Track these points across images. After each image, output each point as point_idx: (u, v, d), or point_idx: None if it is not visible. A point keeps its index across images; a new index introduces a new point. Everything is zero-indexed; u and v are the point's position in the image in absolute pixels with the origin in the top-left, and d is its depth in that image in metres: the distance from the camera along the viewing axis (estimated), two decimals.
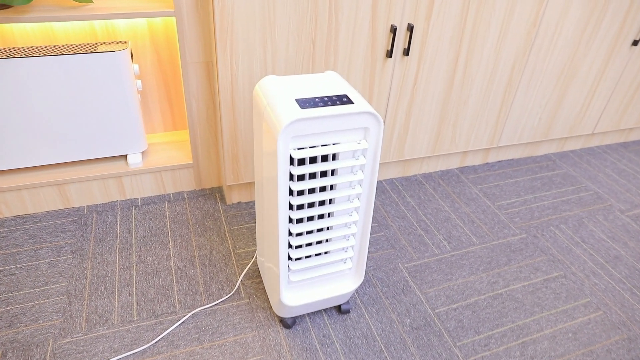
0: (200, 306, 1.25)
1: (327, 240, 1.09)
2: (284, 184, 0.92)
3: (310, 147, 0.90)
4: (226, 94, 1.35)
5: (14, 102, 1.34)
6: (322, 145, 0.90)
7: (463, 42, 1.50)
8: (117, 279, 1.31)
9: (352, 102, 0.89)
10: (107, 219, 1.53)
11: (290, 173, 0.93)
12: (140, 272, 1.34)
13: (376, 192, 1.73)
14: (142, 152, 1.63)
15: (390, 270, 1.41)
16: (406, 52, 1.43)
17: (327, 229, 1.06)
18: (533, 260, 1.49)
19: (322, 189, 0.99)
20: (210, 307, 1.25)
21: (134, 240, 1.45)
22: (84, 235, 1.46)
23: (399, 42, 1.42)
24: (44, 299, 1.24)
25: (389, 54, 1.41)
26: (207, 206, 1.62)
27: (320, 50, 1.35)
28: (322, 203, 1.02)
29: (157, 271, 1.35)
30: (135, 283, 1.31)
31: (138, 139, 1.54)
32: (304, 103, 0.88)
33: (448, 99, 1.63)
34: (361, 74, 1.44)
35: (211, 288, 1.31)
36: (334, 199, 1.01)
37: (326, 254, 1.11)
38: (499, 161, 1.98)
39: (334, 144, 0.92)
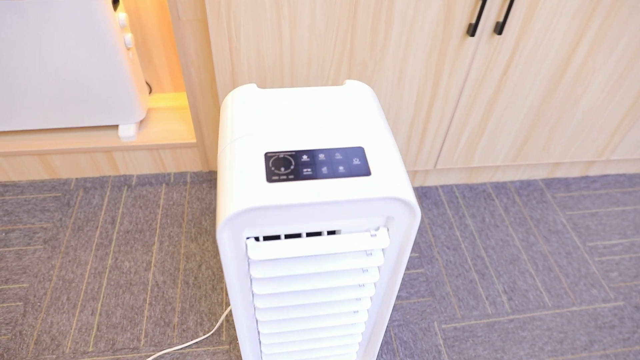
0: (169, 346, 1.00)
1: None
2: (238, 284, 0.57)
3: (280, 239, 0.53)
4: (225, 78, 0.97)
5: None
6: (305, 235, 0.53)
7: (594, 18, 0.96)
8: (83, 288, 1.09)
9: (367, 173, 0.50)
10: (92, 200, 1.29)
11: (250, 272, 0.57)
12: (112, 283, 1.11)
13: (428, 205, 1.33)
14: (139, 122, 1.33)
15: (420, 331, 1.06)
16: (499, 28, 0.93)
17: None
18: (629, 347, 1.06)
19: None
20: (180, 349, 1.00)
21: (115, 235, 1.21)
22: (63, 219, 1.24)
23: (490, 13, 0.92)
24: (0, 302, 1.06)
25: (472, 30, 0.93)
26: (210, 197, 1.32)
27: (364, 20, 0.90)
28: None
29: (131, 284, 1.11)
30: (103, 297, 1.08)
31: (130, 107, 1.23)
32: (278, 166, 0.49)
33: (551, 97, 1.12)
34: (424, 56, 0.98)
35: (188, 320, 1.05)
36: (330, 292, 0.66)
37: (318, 341, 0.78)
38: (604, 175, 1.46)
39: (329, 233, 0.54)
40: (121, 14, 1.10)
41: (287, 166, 0.49)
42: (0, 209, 1.25)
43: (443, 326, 1.07)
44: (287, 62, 0.97)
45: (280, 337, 0.70)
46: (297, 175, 0.48)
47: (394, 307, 1.10)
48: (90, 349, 0.99)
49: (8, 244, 1.17)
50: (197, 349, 1.00)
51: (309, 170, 0.49)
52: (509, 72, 1.04)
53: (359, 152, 0.52)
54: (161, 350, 1.00)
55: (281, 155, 0.51)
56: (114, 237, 1.21)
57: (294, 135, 0.53)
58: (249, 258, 0.53)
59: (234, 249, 0.52)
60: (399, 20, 0.91)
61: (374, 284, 0.63)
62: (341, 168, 0.50)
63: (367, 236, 0.54)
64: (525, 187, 1.40)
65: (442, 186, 1.38)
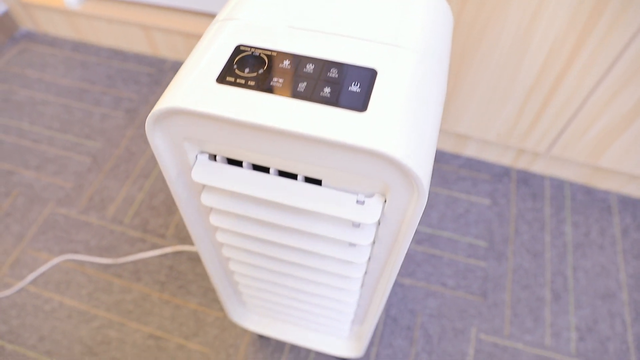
0: (190, 245, 1.00)
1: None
2: (186, 206, 0.48)
3: (236, 166, 0.41)
4: None
5: None
6: (278, 173, 0.41)
7: None
8: (140, 164, 1.13)
9: (361, 108, 0.34)
10: None
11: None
12: None
13: (523, 194, 1.08)
14: None
15: (452, 331, 0.89)
16: None
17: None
18: None
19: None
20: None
21: None
22: (147, 95, 1.27)
23: None
24: (75, 153, 1.15)
25: None
26: None
27: None
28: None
29: None
30: (153, 178, 1.10)
31: None
32: (242, 66, 0.37)
33: None
34: (572, 6, 0.71)
35: None
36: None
37: (301, 304, 0.68)
38: None
39: (307, 181, 0.41)
40: None
41: (254, 68, 0.36)
42: (104, 71, 1.33)
43: (481, 336, 0.89)
44: None
45: (255, 282, 0.61)
46: (261, 84, 0.35)
47: (431, 293, 0.94)
48: (126, 221, 1.04)
49: (99, 104, 1.25)
50: None
51: (281, 81, 0.35)
52: None
53: (366, 76, 0.36)
54: (182, 246, 1.00)
55: (254, 53, 0.37)
56: None
57: (296, 32, 0.39)
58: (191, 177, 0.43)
59: (175, 159, 0.42)
60: None
61: (365, 263, 0.50)
62: (327, 90, 0.35)
63: (352, 201, 0.39)
64: None
65: (551, 178, 1.10)
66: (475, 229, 1.03)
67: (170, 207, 1.06)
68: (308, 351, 0.87)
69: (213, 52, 0.38)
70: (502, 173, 1.11)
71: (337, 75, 0.36)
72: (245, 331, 0.89)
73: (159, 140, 0.39)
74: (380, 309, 0.59)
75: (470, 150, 1.13)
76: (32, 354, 0.87)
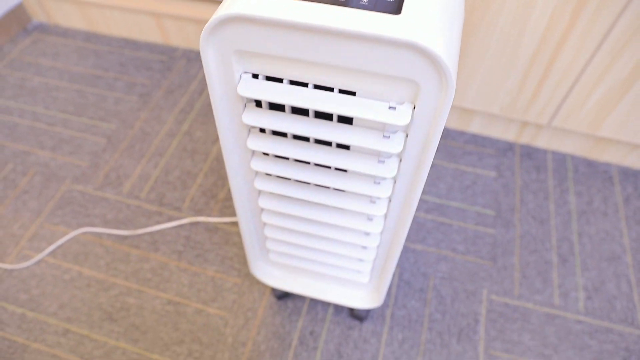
0: (207, 216, 1.02)
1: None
2: (231, 134, 0.51)
3: (277, 82, 0.45)
4: None
5: None
6: (304, 85, 0.44)
7: None
8: (155, 143, 1.16)
9: (396, 12, 0.38)
10: (191, 70, 1.34)
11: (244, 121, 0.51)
12: (180, 146, 1.15)
13: (527, 167, 1.12)
14: None
15: (464, 292, 0.92)
16: None
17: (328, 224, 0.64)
18: None
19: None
20: (216, 222, 1.02)
21: (198, 104, 1.25)
22: (160, 81, 1.31)
23: None
24: (90, 135, 1.18)
25: None
26: None
27: None
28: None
29: (195, 151, 1.14)
30: (168, 156, 1.13)
31: None
32: None
33: None
34: None
35: (231, 199, 1.06)
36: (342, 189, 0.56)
37: (326, 252, 0.70)
38: None
39: (340, 92, 0.44)
40: None
41: None
42: (117, 60, 1.37)
43: (492, 297, 0.92)
44: None
45: (283, 221, 0.64)
46: None
47: (442, 257, 0.97)
48: (142, 195, 1.06)
49: (112, 89, 1.29)
50: (230, 228, 1.01)
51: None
52: None
53: None
54: (198, 217, 1.02)
55: None
56: (197, 107, 1.24)
57: None
58: (237, 94, 0.46)
59: (223, 77, 0.45)
60: None
61: (391, 180, 0.53)
62: (365, 1, 0.39)
63: (385, 107, 0.43)
64: None
65: (553, 152, 1.14)
66: (482, 199, 1.06)
67: (185, 181, 1.08)
68: (325, 312, 0.89)
69: None
70: (506, 148, 1.15)
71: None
72: (263, 295, 0.91)
73: (210, 55, 0.42)
74: (398, 252, 0.62)
75: (474, 127, 1.16)
76: (52, 321, 0.88)
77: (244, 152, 0.55)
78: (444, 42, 0.37)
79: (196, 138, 1.18)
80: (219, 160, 1.13)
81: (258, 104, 0.49)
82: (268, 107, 0.49)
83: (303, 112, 0.49)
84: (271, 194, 0.61)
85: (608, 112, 0.97)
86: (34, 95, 1.27)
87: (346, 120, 0.48)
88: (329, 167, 0.54)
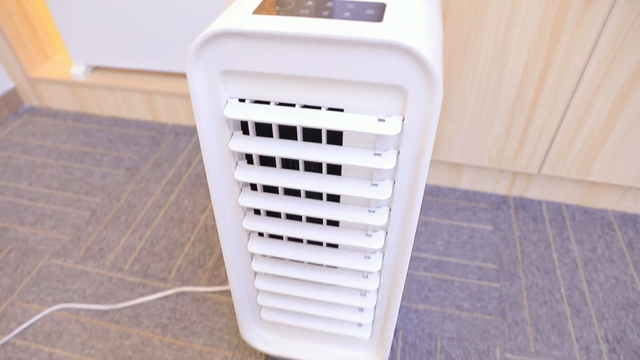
0: (194, 286, 0.96)
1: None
2: (219, 165, 0.49)
3: (264, 104, 0.43)
4: None
5: None
6: (291, 106, 0.43)
7: None
8: (141, 215, 1.12)
9: (378, 20, 0.38)
10: (179, 144, 1.35)
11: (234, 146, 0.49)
12: (167, 216, 1.12)
13: (523, 218, 1.09)
14: None
15: (475, 352, 0.84)
16: None
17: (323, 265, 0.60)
18: None
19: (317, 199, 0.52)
20: (204, 292, 0.95)
21: (186, 176, 1.24)
22: (149, 154, 1.31)
23: None
24: (74, 209, 1.14)
25: None
26: None
27: None
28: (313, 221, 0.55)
29: (183, 221, 1.11)
30: (154, 226, 1.09)
31: None
32: (272, 4, 0.41)
33: None
34: (540, 11, 0.81)
35: (221, 267, 1.00)
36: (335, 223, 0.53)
37: (322, 305, 0.65)
38: None
39: (328, 110, 0.43)
40: None
41: (283, 8, 0.41)
42: (106, 137, 1.38)
43: (507, 355, 0.84)
44: None
45: (275, 266, 0.59)
46: (291, 13, 0.39)
47: (447, 316, 0.90)
48: (126, 268, 1.00)
49: (99, 165, 1.28)
50: (219, 297, 0.94)
51: (307, 12, 0.40)
52: None
53: (378, 6, 0.40)
54: (185, 287, 0.96)
55: (281, 1, 0.42)
56: (185, 178, 1.23)
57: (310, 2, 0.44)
58: (225, 117, 0.44)
59: (209, 101, 0.44)
60: None
61: (385, 204, 0.49)
62: (347, 14, 0.39)
63: (374, 120, 0.41)
64: None
65: (547, 202, 1.13)
66: (482, 253, 1.02)
67: (172, 251, 1.03)
68: None
69: (248, 3, 0.43)
70: (500, 201, 1.14)
71: (353, 7, 0.41)
72: None
73: (197, 77, 0.42)
74: (398, 302, 0.57)
75: (465, 183, 1.16)
76: None
77: (232, 187, 0.52)
78: (425, 42, 0.37)
79: (184, 207, 1.15)
80: (207, 228, 1.09)
81: (246, 130, 0.48)
82: (255, 133, 0.47)
83: (291, 137, 0.47)
84: (264, 256, 0.58)
85: (595, 156, 0.98)
86: (18, 173, 1.25)
87: (336, 143, 0.46)
88: (321, 223, 0.52)
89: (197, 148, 1.33)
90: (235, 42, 0.39)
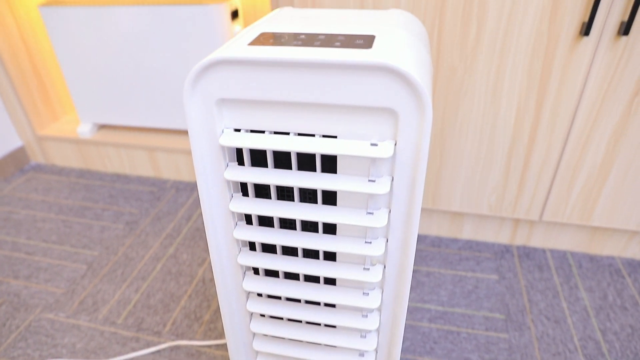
0: (189, 339, 0.92)
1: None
2: (215, 197, 0.49)
3: (259, 133, 0.44)
4: None
5: (109, 52, 1.27)
6: (285, 134, 0.44)
7: None
8: (138, 268, 1.10)
9: (368, 47, 0.40)
10: (179, 199, 1.35)
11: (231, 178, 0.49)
12: (164, 269, 1.10)
13: (528, 266, 1.07)
14: None
15: None
16: (625, 29, 0.77)
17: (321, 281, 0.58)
18: None
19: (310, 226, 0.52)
20: (199, 345, 0.91)
21: (185, 229, 1.23)
22: (149, 209, 1.31)
23: (610, 7, 0.77)
24: (70, 262, 1.12)
25: (586, 29, 0.79)
26: None
27: (454, 14, 0.83)
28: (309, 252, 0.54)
29: (180, 274, 1.08)
30: (151, 279, 1.07)
31: None
32: (266, 39, 0.43)
33: None
34: (526, 61, 0.85)
35: (218, 321, 0.96)
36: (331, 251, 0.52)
37: (322, 354, 0.62)
38: None
39: (322, 138, 0.44)
40: (237, 26, 1.22)
41: (277, 40, 0.43)
42: (107, 192, 1.39)
43: None
44: None
45: (269, 285, 0.57)
46: (284, 44, 0.41)
47: None
48: (119, 321, 0.96)
49: (99, 219, 1.28)
50: (215, 352, 0.90)
51: (299, 42, 0.42)
52: None
53: (367, 37, 0.43)
54: (180, 341, 0.91)
55: (275, 32, 0.44)
56: (184, 231, 1.22)
57: (304, 28, 0.47)
58: (220, 146, 0.45)
59: (199, 134, 0.45)
60: (493, 14, 0.82)
61: (380, 233, 0.49)
62: (338, 44, 0.41)
63: (367, 145, 0.42)
64: None
65: (551, 250, 1.11)
66: (488, 303, 0.98)
67: (168, 304, 1.00)
68: None
69: (242, 35, 0.45)
70: (503, 250, 1.12)
71: (343, 38, 0.43)
72: None
73: (194, 106, 0.43)
74: (400, 340, 0.55)
75: (467, 233, 1.15)
76: None
77: (227, 220, 0.52)
78: (413, 66, 0.38)
79: (182, 260, 1.13)
80: (205, 281, 1.07)
81: (241, 161, 0.48)
82: (250, 164, 0.48)
83: (286, 168, 0.48)
84: (262, 315, 0.56)
85: (595, 200, 0.97)
86: (18, 227, 1.25)
87: (330, 171, 0.47)
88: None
89: (197, 203, 1.34)
90: (231, 69, 0.41)
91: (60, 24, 1.27)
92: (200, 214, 1.28)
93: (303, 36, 0.44)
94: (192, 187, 1.41)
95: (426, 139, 0.41)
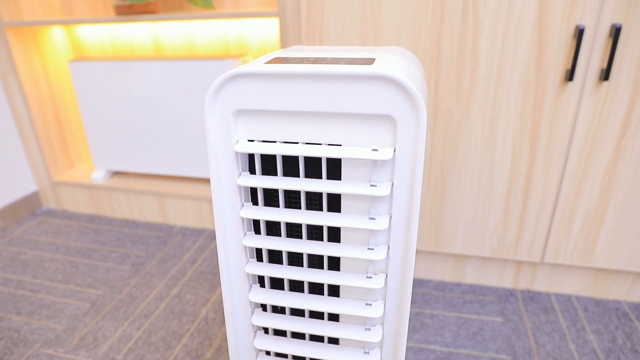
0: None
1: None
2: (226, 199, 0.53)
3: (271, 142, 0.49)
4: None
5: (128, 102, 1.37)
6: (294, 143, 0.48)
7: None
8: (142, 307, 1.10)
9: (370, 64, 0.46)
10: (185, 244, 1.37)
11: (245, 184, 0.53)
12: (168, 308, 1.09)
13: (533, 309, 1.06)
14: None
15: None
16: (604, 74, 0.84)
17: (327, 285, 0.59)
18: None
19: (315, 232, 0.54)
20: None
21: (191, 271, 1.24)
22: (155, 252, 1.33)
23: (590, 56, 0.85)
24: (74, 300, 1.12)
25: (569, 75, 0.86)
26: None
27: (449, 61, 0.91)
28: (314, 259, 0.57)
29: (183, 313, 1.08)
30: (154, 318, 1.06)
31: None
32: (278, 62, 0.49)
33: None
34: (518, 104, 0.92)
35: (220, 357, 0.95)
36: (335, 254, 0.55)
37: (324, 345, 0.62)
38: None
39: (328, 145, 0.48)
40: None
41: (289, 60, 0.49)
42: (115, 236, 1.42)
43: None
44: None
45: (272, 296, 0.58)
46: (295, 63, 0.47)
47: None
48: (119, 357, 0.95)
49: (105, 260, 1.29)
50: None
51: (309, 62, 0.48)
52: (628, 132, 0.89)
53: (368, 59, 0.49)
54: None
55: (287, 57, 0.51)
56: (189, 273, 1.23)
57: (313, 55, 0.53)
58: (235, 152, 0.49)
59: (216, 144, 0.50)
60: (485, 63, 0.90)
61: (380, 236, 0.51)
62: (342, 62, 0.47)
63: (369, 150, 0.46)
64: None
65: (555, 294, 1.10)
66: (494, 345, 0.97)
67: (169, 342, 0.99)
68: None
69: (258, 59, 0.51)
70: (507, 294, 1.11)
71: (348, 60, 0.49)
72: None
73: (214, 116, 0.48)
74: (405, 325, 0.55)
75: (470, 277, 1.15)
76: None
77: (237, 226, 0.55)
78: (410, 78, 0.44)
79: (185, 300, 1.13)
80: (208, 320, 1.06)
81: (253, 171, 0.52)
82: (261, 173, 0.52)
83: (294, 176, 0.52)
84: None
85: (594, 240, 0.99)
86: (24, 266, 1.26)
87: (335, 179, 0.50)
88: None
89: (203, 247, 1.36)
90: (248, 82, 0.46)
91: (86, 77, 1.37)
92: (206, 258, 1.30)
93: (312, 59, 0.50)
94: (199, 232, 1.44)
95: (422, 145, 0.45)
